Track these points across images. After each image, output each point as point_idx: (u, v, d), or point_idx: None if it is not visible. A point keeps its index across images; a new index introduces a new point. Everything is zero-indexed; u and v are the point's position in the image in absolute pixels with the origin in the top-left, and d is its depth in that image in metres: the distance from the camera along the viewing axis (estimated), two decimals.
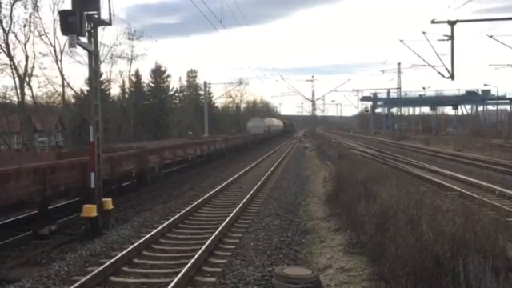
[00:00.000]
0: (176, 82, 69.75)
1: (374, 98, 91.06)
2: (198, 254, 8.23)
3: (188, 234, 10.54)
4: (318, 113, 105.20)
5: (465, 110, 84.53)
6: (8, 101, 34.45)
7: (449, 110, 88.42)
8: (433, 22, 22.42)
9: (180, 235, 10.43)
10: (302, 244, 9.55)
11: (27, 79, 33.32)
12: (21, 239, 10.06)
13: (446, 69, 23.98)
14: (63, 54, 34.63)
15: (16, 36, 32.06)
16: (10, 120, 33.94)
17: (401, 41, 29.73)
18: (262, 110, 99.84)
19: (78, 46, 10.18)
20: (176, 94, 64.23)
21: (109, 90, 46.79)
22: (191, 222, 11.78)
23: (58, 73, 35.18)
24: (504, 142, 43.84)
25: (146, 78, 56.43)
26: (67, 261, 8.42)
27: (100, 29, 11.07)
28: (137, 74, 53.77)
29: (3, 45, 31.22)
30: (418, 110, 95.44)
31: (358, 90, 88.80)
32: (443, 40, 23.29)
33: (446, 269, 5.41)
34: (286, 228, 10.88)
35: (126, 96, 50.38)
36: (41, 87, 43.98)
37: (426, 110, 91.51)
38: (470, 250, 5.54)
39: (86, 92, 37.68)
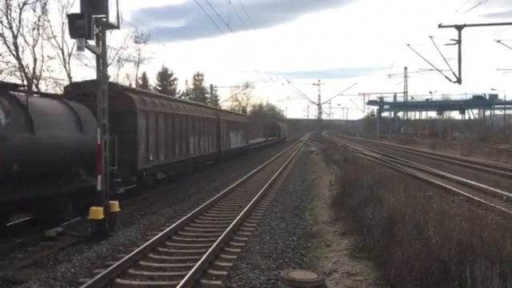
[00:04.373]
0: (182, 85, 70.11)
1: (380, 102, 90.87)
2: (204, 256, 8.26)
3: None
4: (324, 116, 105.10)
5: (472, 114, 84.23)
6: None
7: (456, 115, 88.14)
8: (440, 26, 22.37)
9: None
10: (307, 248, 9.52)
11: (35, 82, 33.48)
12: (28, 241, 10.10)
13: (453, 73, 23.89)
14: (71, 57, 34.80)
15: (25, 39, 32.19)
16: None
17: (408, 45, 29.79)
18: (267, 113, 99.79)
19: (86, 49, 10.24)
20: (182, 97, 64.44)
21: None
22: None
23: (66, 75, 35.29)
24: (511, 147, 43.56)
25: (153, 81, 56.71)
26: (74, 263, 8.45)
27: (107, 32, 11.11)
28: (144, 77, 54.05)
29: (12, 47, 31.42)
30: (424, 115, 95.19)
31: (364, 94, 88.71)
32: (450, 44, 23.22)
33: (452, 274, 5.39)
34: (291, 231, 10.88)
35: None
36: (48, 90, 44.18)
37: (432, 114, 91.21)
38: (477, 256, 5.50)
39: None
